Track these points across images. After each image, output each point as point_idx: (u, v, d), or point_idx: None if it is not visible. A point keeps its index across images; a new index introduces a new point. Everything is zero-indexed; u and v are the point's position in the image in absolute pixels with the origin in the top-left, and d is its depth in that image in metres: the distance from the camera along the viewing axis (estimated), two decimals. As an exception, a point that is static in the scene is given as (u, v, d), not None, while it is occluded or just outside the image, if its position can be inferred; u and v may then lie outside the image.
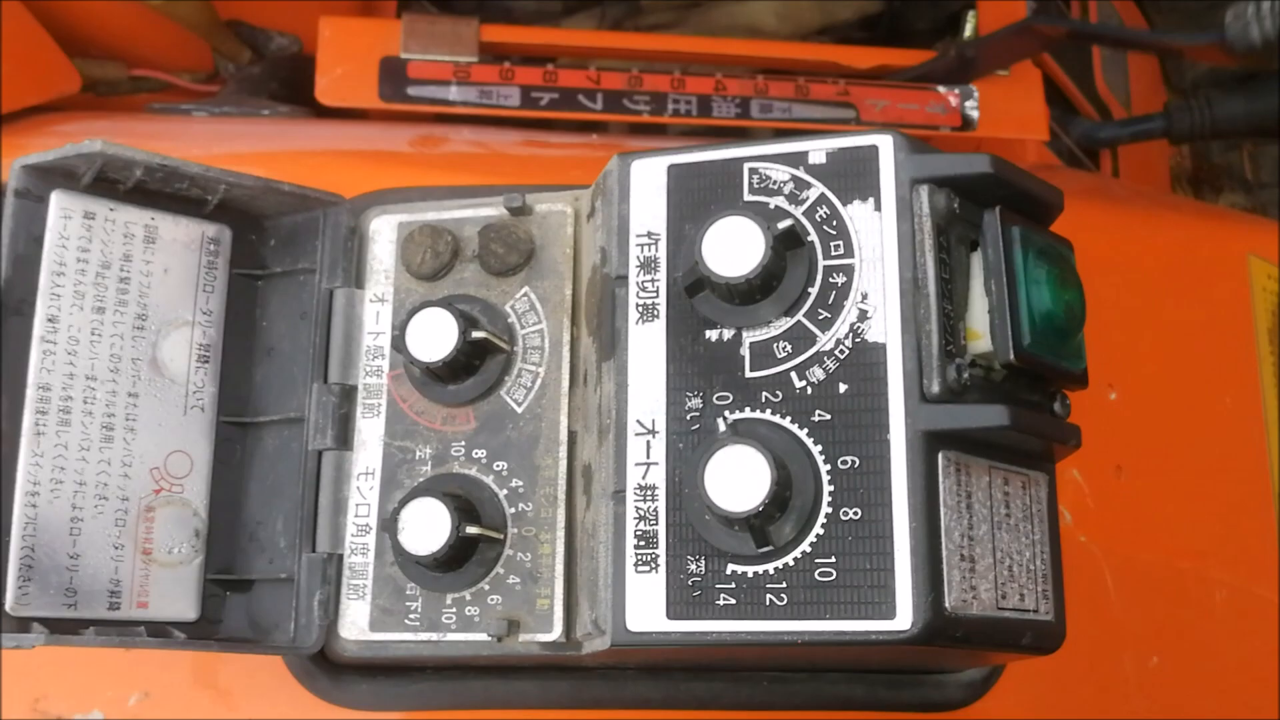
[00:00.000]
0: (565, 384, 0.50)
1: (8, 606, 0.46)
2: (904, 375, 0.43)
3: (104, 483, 0.49)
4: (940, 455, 0.43)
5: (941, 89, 0.77)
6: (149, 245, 0.51)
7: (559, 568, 0.48)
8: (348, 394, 0.52)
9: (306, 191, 0.53)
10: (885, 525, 0.42)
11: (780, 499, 0.42)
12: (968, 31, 0.78)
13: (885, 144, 0.45)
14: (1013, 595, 0.45)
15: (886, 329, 0.44)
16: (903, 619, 0.41)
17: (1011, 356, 0.43)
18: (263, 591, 0.51)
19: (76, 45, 0.73)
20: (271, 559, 0.51)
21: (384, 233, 0.53)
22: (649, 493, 0.45)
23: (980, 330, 0.44)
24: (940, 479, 0.43)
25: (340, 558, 0.50)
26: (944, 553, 0.42)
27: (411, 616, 0.49)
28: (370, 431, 0.51)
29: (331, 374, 0.52)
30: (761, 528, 0.42)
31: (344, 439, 0.51)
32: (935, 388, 0.43)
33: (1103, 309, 0.69)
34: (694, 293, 0.45)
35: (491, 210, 0.52)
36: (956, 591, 0.42)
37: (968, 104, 0.77)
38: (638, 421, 0.45)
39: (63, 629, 0.46)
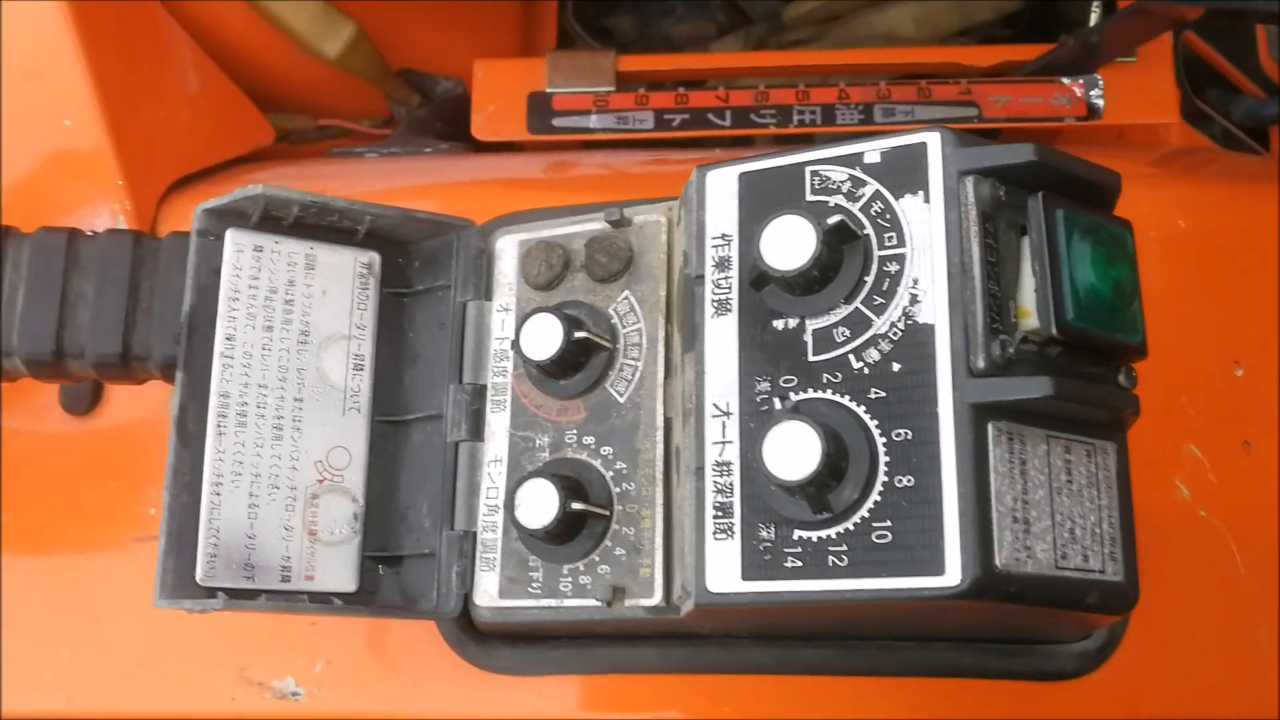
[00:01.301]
0: (660, 375, 0.55)
1: (199, 578, 0.55)
2: (951, 353, 0.46)
3: (275, 474, 0.57)
4: (990, 425, 0.46)
5: (1066, 80, 0.79)
6: (309, 271, 0.60)
7: (658, 540, 0.53)
8: (479, 392, 0.59)
9: (440, 218, 0.60)
10: (936, 490, 0.46)
11: (835, 468, 0.46)
12: (1094, 19, 0.80)
13: (933, 140, 0.49)
14: (1074, 556, 0.48)
15: (935, 311, 0.47)
16: (952, 574, 0.45)
17: (1054, 330, 0.46)
18: (411, 566, 0.58)
19: (269, 101, 0.84)
20: (418, 537, 0.58)
21: (507, 250, 0.60)
22: (725, 468, 0.50)
23: (1030, 308, 0.47)
24: (990, 447, 0.46)
25: (474, 535, 0.57)
26: (994, 515, 0.45)
27: (534, 585, 0.55)
28: (498, 424, 0.58)
29: (465, 375, 0.59)
30: (818, 495, 0.46)
31: (476, 431, 0.58)
32: (981, 363, 0.46)
33: (1230, 286, 0.70)
34: (758, 287, 0.50)
35: (596, 224, 0.58)
36: (1008, 550, 0.45)
37: (1093, 93, 0.78)
38: (714, 405, 0.50)
39: (241, 596, 0.55)
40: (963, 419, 0.46)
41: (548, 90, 0.81)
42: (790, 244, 0.48)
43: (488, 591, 0.56)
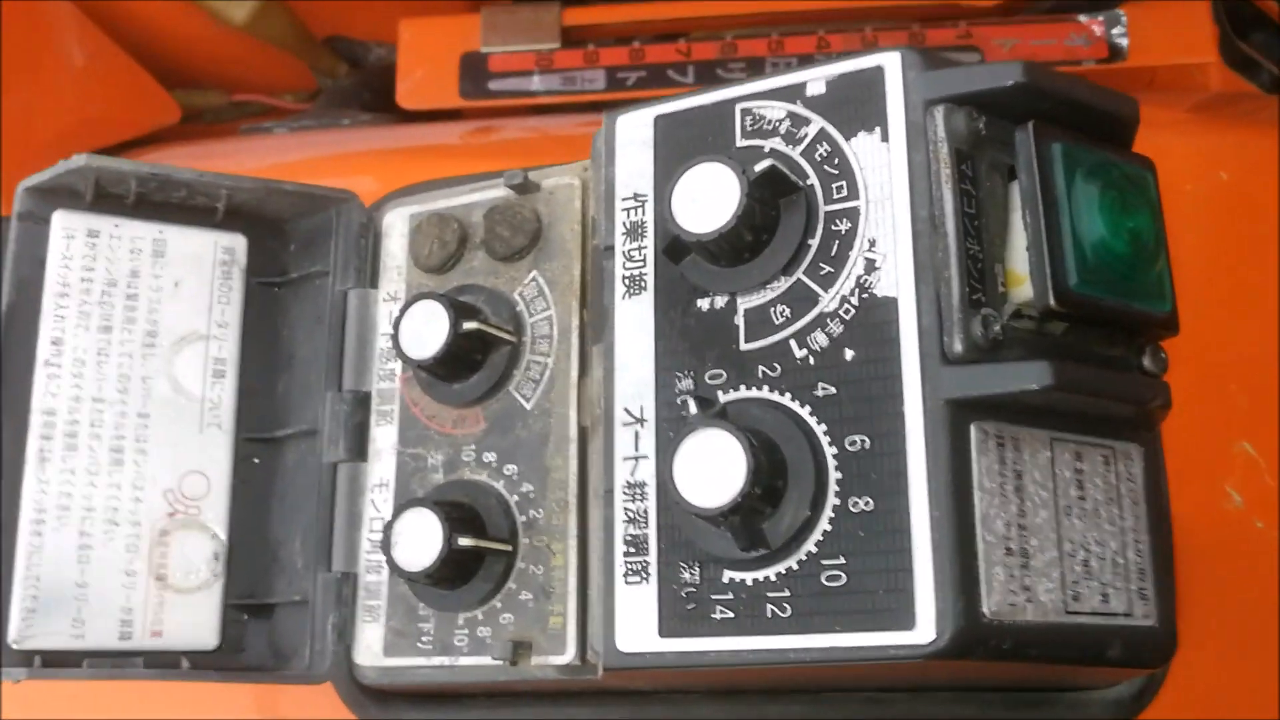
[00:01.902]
0: (574, 374, 0.44)
1: (10, 639, 0.44)
2: (919, 333, 0.35)
3: (114, 508, 0.47)
4: (973, 428, 0.35)
5: (1083, 18, 0.67)
6: (158, 259, 0.49)
7: (572, 581, 0.43)
8: (362, 401, 0.48)
9: (313, 190, 0.50)
10: (902, 516, 0.35)
11: (769, 490, 0.35)
12: (1115, -54, 0.68)
13: (891, 62, 0.38)
14: (1090, 596, 0.36)
15: (898, 280, 0.36)
16: (924, 629, 0.34)
17: (1051, 300, 0.35)
18: (283, 615, 0.48)
19: (174, 76, 0.74)
20: (290, 580, 0.48)
21: (397, 226, 0.50)
22: (638, 491, 0.39)
23: (1022, 273, 0.36)
24: (974, 456, 0.35)
25: (355, 577, 0.47)
26: (980, 546, 0.34)
27: (424, 639, 0.45)
28: (384, 440, 0.48)
29: (346, 381, 0.49)
30: (748, 525, 0.35)
31: (358, 450, 0.48)
32: (958, 346, 0.35)
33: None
34: (676, 257, 0.39)
35: (498, 191, 0.48)
36: (1000, 593, 0.34)
37: (1114, 31, 0.67)
38: (625, 410, 0.40)
39: (61, 662, 0.44)
40: (936, 420, 0.35)
41: (483, 50, 0.70)
42: (709, 200, 0.37)
43: (370, 648, 0.46)
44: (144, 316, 0.49)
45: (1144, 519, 0.38)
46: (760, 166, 0.37)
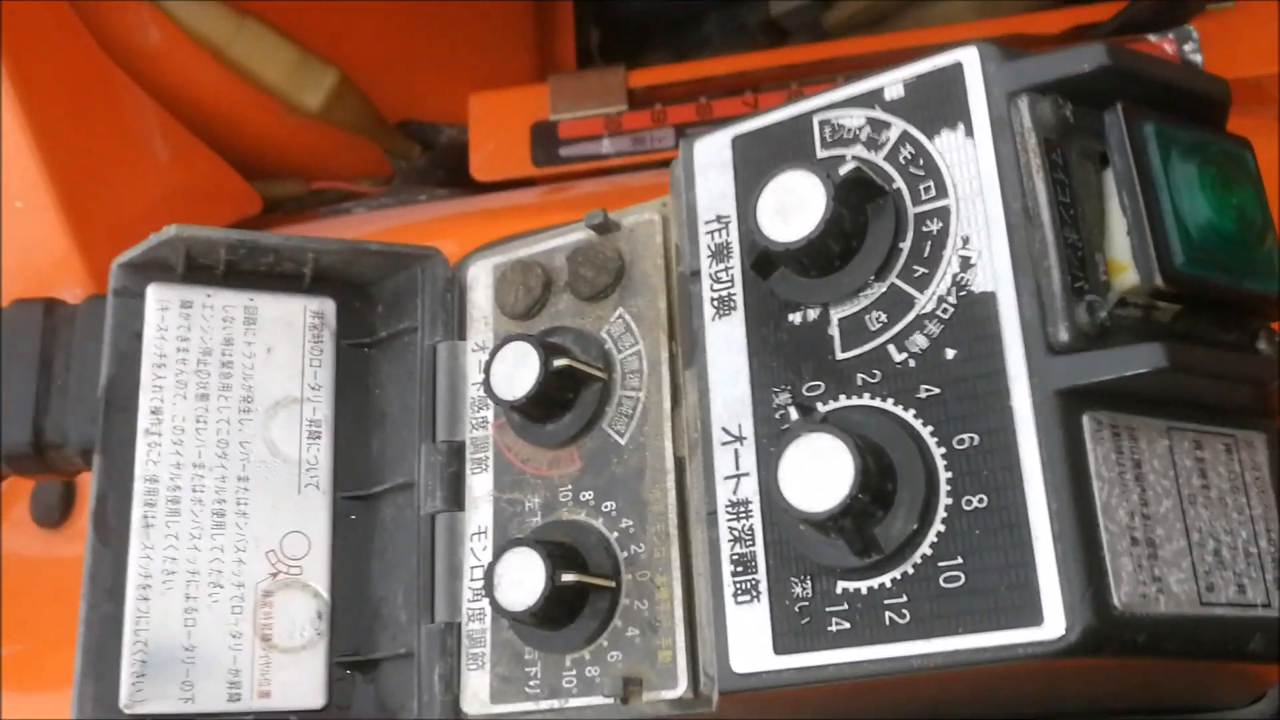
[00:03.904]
0: (667, 405, 0.44)
1: (122, 704, 0.44)
2: (1022, 326, 0.35)
3: (218, 570, 0.47)
4: (1086, 417, 0.34)
5: (1153, 37, 0.67)
6: (249, 326, 0.50)
7: (678, 613, 0.42)
8: (456, 451, 0.48)
9: (397, 248, 0.50)
10: (1019, 510, 0.33)
11: (879, 492, 0.34)
12: (1178, -36, 0.68)
13: (969, 57, 0.37)
14: (1224, 586, 0.35)
15: (996, 274, 0.35)
16: (1053, 624, 0.32)
17: (1159, 280, 0.34)
18: (389, 670, 0.47)
19: (254, 167, 0.76)
20: (394, 635, 0.48)
21: (481, 278, 0.50)
22: (742, 509, 0.38)
23: (1125, 260, 0.35)
24: (1089, 446, 0.34)
25: (459, 627, 0.46)
26: (1104, 536, 0.33)
27: (532, 684, 0.44)
28: (480, 487, 0.47)
29: (440, 432, 0.49)
30: (860, 529, 0.34)
31: (455, 499, 0.48)
32: (1064, 335, 0.34)
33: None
34: (765, 272, 0.39)
35: (579, 235, 0.48)
36: (1130, 584, 0.33)
37: (1186, 48, 0.66)
38: (723, 429, 0.39)
39: (171, 725, 0.44)
40: (1047, 411, 0.34)
41: (552, 118, 0.71)
42: (795, 208, 0.37)
43: (477, 695, 0.45)
44: (239, 382, 0.49)
45: (1274, 507, 0.37)
46: (844, 170, 0.36)
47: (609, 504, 0.44)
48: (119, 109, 0.69)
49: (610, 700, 0.42)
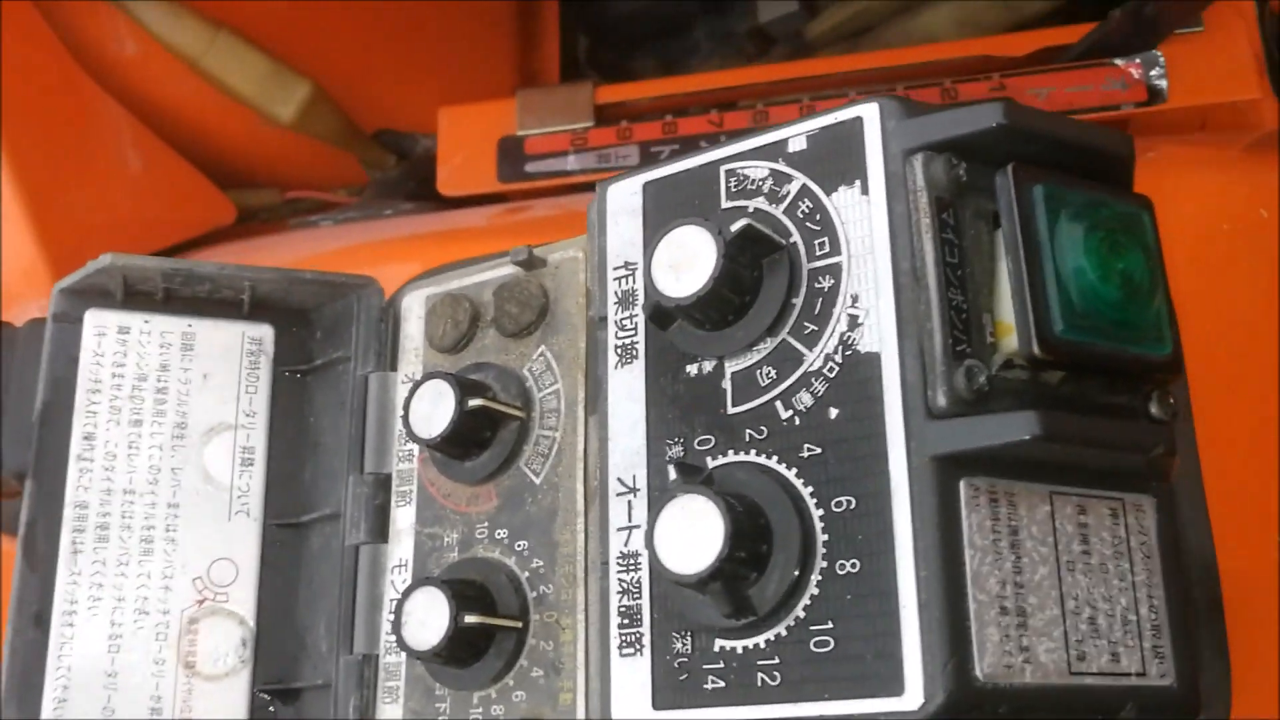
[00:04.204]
0: (581, 447, 0.44)
1: (42, 728, 0.45)
2: (903, 388, 0.34)
3: (144, 596, 0.48)
4: (963, 483, 0.34)
5: (1119, 61, 0.66)
6: (186, 353, 0.51)
7: (580, 656, 0.42)
8: (383, 483, 0.49)
9: (331, 278, 0.51)
10: (889, 577, 0.33)
11: (753, 555, 0.34)
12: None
13: (870, 114, 0.37)
14: (1097, 655, 0.35)
15: (881, 335, 0.35)
16: (913, 695, 0.32)
17: (1035, 347, 0.34)
18: (309, 699, 0.48)
19: (228, 177, 0.76)
20: (315, 664, 0.48)
21: (414, 309, 0.50)
22: (632, 561, 0.38)
23: (1012, 322, 0.35)
24: (964, 513, 0.34)
25: (376, 659, 0.47)
26: (971, 606, 0.33)
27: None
28: (404, 520, 0.48)
29: (367, 463, 0.49)
30: (731, 592, 0.34)
31: (380, 531, 0.48)
32: (941, 399, 0.34)
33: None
34: (663, 323, 0.39)
35: (509, 270, 0.48)
36: (994, 654, 0.33)
37: (1153, 73, 0.65)
38: (618, 480, 0.39)
39: (90, 750, 0.45)
40: (922, 476, 0.34)
41: (519, 133, 0.71)
42: (687, 263, 0.37)
43: (390, 728, 0.46)
44: (174, 408, 0.50)
45: (1158, 573, 0.36)
46: (736, 226, 0.36)
47: (522, 543, 0.44)
48: (90, 118, 0.70)
49: (513, 740, 0.42)
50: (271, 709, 0.48)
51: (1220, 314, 0.52)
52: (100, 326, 0.50)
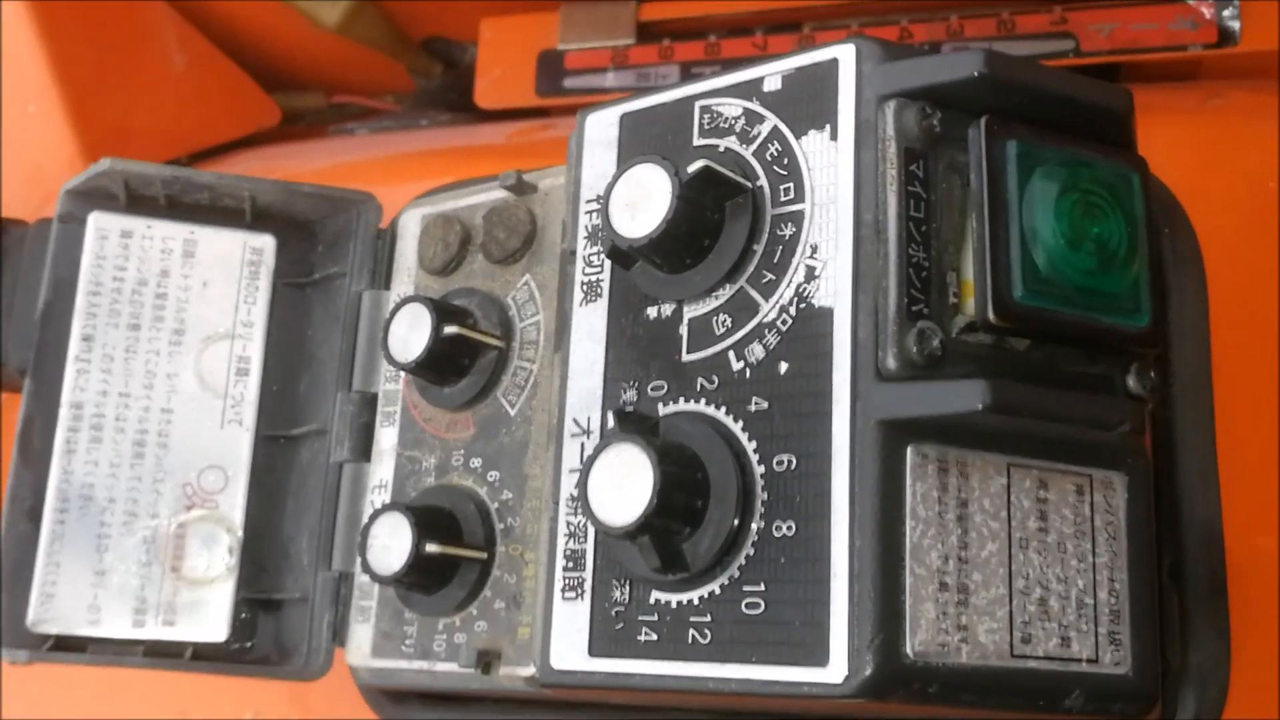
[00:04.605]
0: (556, 381, 0.43)
1: (29, 621, 0.47)
2: (854, 347, 0.33)
3: (134, 499, 0.49)
4: (910, 450, 0.32)
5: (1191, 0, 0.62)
6: (188, 259, 0.51)
7: (543, 590, 0.42)
8: (369, 402, 0.48)
9: (330, 192, 0.50)
10: (823, 544, 0.32)
11: (687, 509, 0.34)
12: (1233, -81, 0.62)
13: (846, 54, 0.35)
14: (1044, 639, 0.33)
15: (837, 289, 0.34)
16: (837, 667, 0.31)
17: (991, 313, 0.32)
18: (289, 611, 0.49)
19: (274, 79, 0.76)
20: (296, 578, 0.49)
21: (410, 228, 0.50)
22: (580, 505, 0.37)
23: (979, 283, 0.33)
24: (908, 481, 0.32)
25: (352, 577, 0.47)
26: (906, 579, 0.32)
27: (407, 643, 0.45)
28: (387, 441, 0.48)
29: (355, 382, 0.49)
30: (661, 546, 0.33)
31: (362, 450, 0.48)
32: (891, 361, 0.32)
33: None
34: (625, 263, 0.37)
35: (502, 193, 0.47)
36: (928, 631, 0.32)
37: (1225, 13, 0.61)
38: (574, 420, 0.39)
39: (68, 646, 0.46)
40: (865, 440, 0.32)
41: (560, 47, 0.69)
42: (644, 203, 0.35)
43: (360, 648, 0.46)
44: (172, 315, 0.50)
45: (1123, 555, 0.35)
46: (693, 167, 0.35)
47: (494, 474, 0.44)
48: (134, 16, 0.70)
49: (469, 670, 0.42)
50: (253, 618, 0.49)
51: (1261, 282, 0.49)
52: (103, 229, 0.50)
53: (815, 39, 0.66)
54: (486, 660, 0.42)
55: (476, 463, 0.45)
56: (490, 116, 0.70)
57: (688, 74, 0.68)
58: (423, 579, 0.43)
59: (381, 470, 0.48)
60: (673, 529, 0.33)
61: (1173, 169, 0.46)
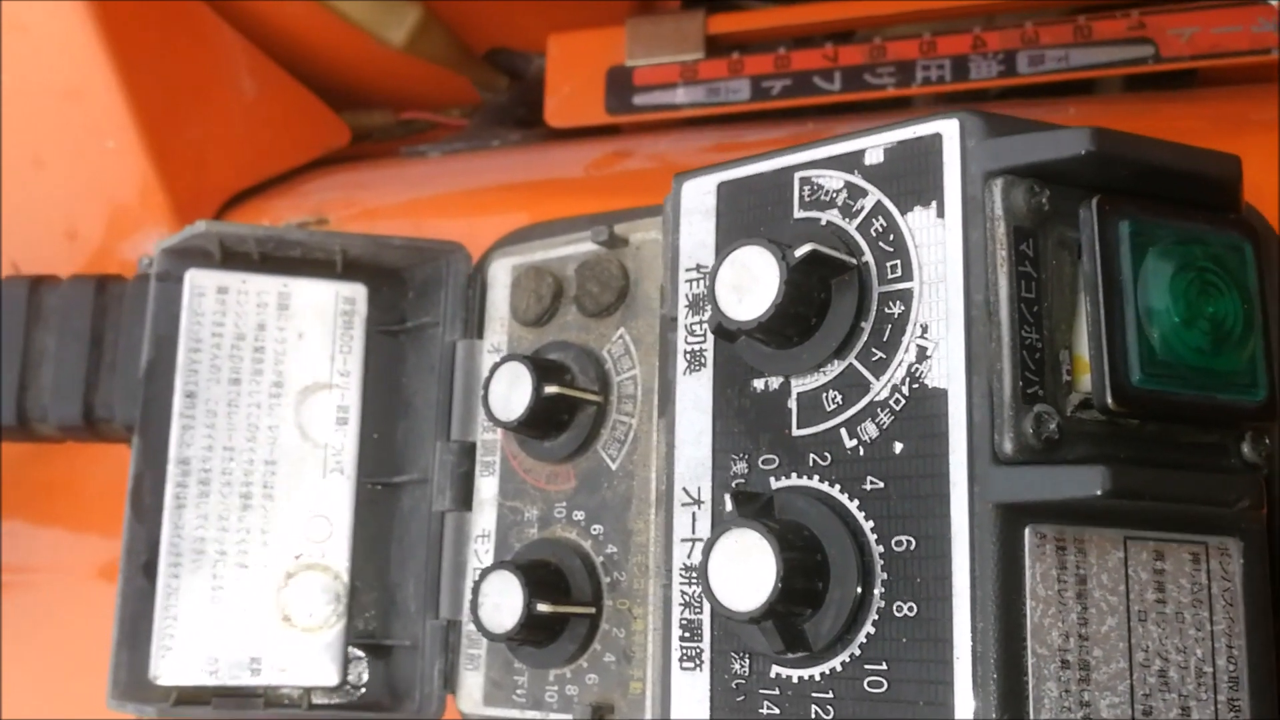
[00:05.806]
0: (656, 437, 0.44)
1: (151, 675, 0.48)
2: (970, 430, 0.33)
3: (244, 551, 0.50)
4: (1028, 531, 0.33)
5: (1274, 0, 0.61)
6: (282, 312, 0.52)
7: (650, 648, 0.43)
8: (468, 451, 0.49)
9: (420, 243, 0.51)
10: (945, 625, 0.33)
11: (807, 591, 0.34)
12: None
13: (949, 130, 0.35)
14: (1165, 709, 0.34)
15: (949, 370, 0.34)
16: (962, 749, 0.32)
17: (1109, 399, 0.32)
18: (398, 657, 0.50)
19: (342, 99, 0.76)
20: (405, 624, 0.50)
21: (500, 278, 0.50)
22: (694, 575, 0.38)
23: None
24: (1027, 562, 0.33)
25: (460, 625, 0.48)
26: (1029, 660, 0.32)
27: (519, 692, 0.46)
28: (488, 490, 0.49)
29: (453, 431, 0.50)
30: (783, 629, 0.34)
31: (464, 499, 0.49)
32: (1008, 445, 0.33)
33: None
34: (729, 337, 0.38)
35: (593, 245, 0.47)
36: (1051, 710, 0.32)
37: (1304, 10, 0.60)
38: (684, 490, 0.39)
39: (192, 699, 0.48)
40: (984, 523, 0.33)
41: (628, 64, 0.69)
42: (749, 286, 0.36)
43: (471, 695, 0.47)
44: (270, 368, 0.51)
45: (1240, 621, 0.35)
46: (801, 251, 0.35)
47: (598, 527, 0.45)
48: (205, 46, 0.71)
49: (584, 721, 0.43)
50: (364, 662, 0.50)
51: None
52: (200, 286, 0.51)
53: (886, 49, 0.66)
54: (600, 714, 0.43)
55: (579, 515, 0.46)
56: (561, 134, 0.71)
57: (758, 88, 0.67)
58: (534, 635, 0.44)
59: (484, 520, 0.48)
60: (795, 612, 0.34)
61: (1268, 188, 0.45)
